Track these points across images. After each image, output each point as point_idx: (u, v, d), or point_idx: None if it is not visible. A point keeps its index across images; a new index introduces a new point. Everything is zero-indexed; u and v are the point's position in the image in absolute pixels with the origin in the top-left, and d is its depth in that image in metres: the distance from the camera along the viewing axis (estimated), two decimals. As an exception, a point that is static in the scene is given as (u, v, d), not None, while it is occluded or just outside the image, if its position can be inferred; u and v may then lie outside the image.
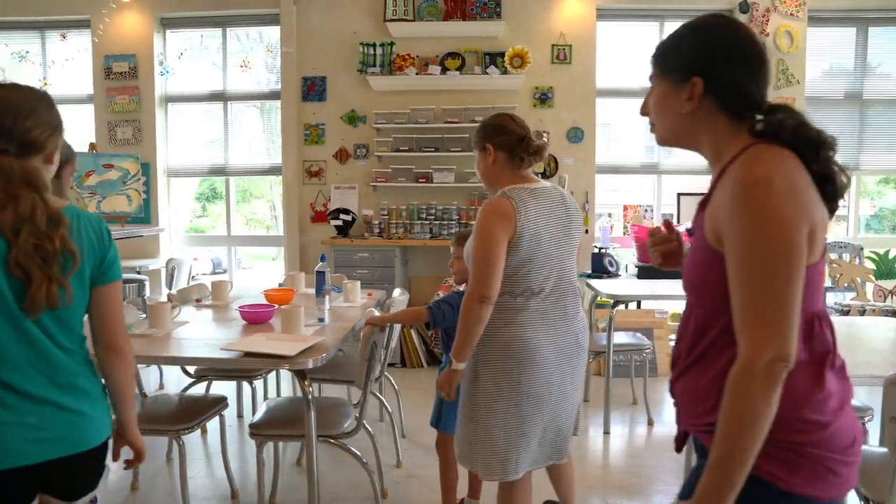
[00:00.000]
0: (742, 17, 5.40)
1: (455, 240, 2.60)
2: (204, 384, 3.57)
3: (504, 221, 1.99)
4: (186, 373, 3.43)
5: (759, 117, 1.17)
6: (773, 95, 5.39)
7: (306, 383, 2.27)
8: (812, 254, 1.08)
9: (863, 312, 4.82)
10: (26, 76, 6.08)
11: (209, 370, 3.34)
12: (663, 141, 1.30)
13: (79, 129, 6.05)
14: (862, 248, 5.40)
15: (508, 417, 2.03)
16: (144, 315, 2.98)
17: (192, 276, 5.55)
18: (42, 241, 1.33)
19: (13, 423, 1.35)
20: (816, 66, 5.65)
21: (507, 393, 2.02)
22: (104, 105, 5.84)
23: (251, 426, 2.59)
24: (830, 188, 1.12)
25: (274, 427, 2.59)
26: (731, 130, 1.18)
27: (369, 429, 2.94)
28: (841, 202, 1.19)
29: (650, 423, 3.96)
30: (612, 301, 3.82)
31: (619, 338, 3.97)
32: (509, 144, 2.10)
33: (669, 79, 1.22)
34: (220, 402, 2.85)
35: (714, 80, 1.17)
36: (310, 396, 2.27)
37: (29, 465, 1.36)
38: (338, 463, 3.27)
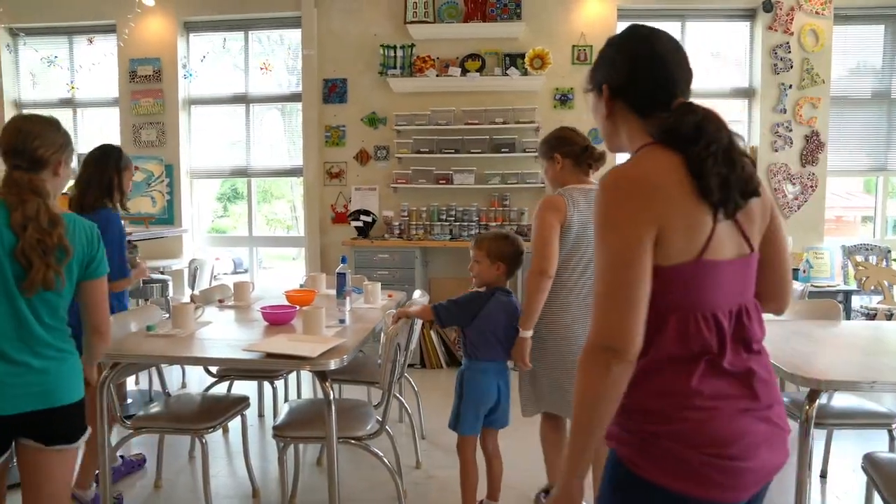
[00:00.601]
0: (766, 16, 5.34)
1: (474, 243, 2.62)
2: (225, 384, 3.62)
3: (556, 213, 2.43)
4: (209, 372, 3.47)
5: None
6: (798, 95, 5.34)
7: (327, 384, 2.28)
8: (669, 254, 1.12)
9: (890, 317, 4.73)
10: (55, 80, 6.22)
11: (231, 370, 3.38)
12: (607, 146, 1.40)
13: (105, 131, 6.16)
14: (889, 251, 5.30)
15: (540, 371, 2.54)
16: (167, 315, 3.03)
17: (214, 276, 5.62)
18: (43, 237, 1.69)
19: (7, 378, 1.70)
20: (843, 65, 5.56)
21: (542, 356, 2.53)
22: (129, 108, 5.93)
23: (275, 428, 2.61)
24: (706, 185, 1.12)
25: (296, 429, 2.61)
26: (641, 130, 1.25)
27: (390, 430, 2.95)
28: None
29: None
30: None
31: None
32: (574, 153, 2.54)
33: (594, 92, 1.33)
34: (242, 401, 2.88)
35: (618, 84, 1.26)
36: (331, 397, 2.29)
37: (4, 416, 1.71)
38: (356, 464, 3.29)
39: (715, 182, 1.13)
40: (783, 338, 2.57)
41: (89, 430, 1.92)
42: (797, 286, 3.79)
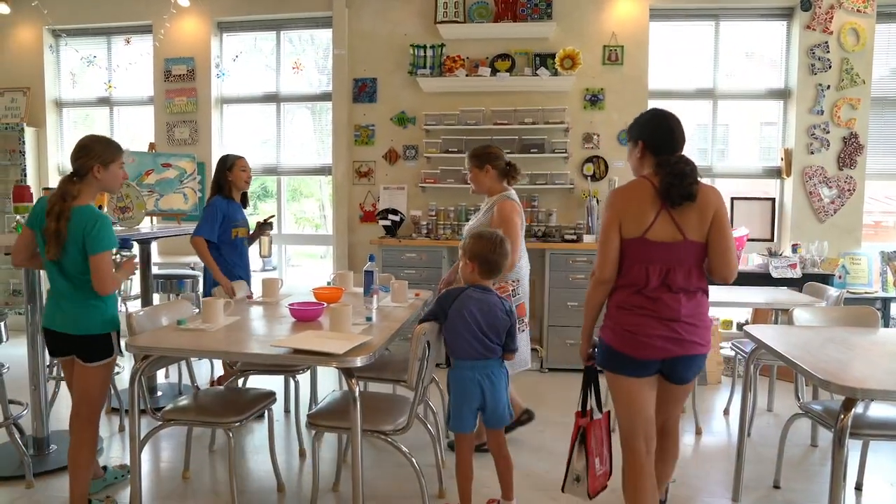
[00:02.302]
0: (804, 15, 5.22)
1: (462, 246, 2.69)
2: (260, 379, 3.65)
3: (519, 214, 3.34)
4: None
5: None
6: (836, 96, 5.22)
7: (353, 381, 2.29)
8: (626, 233, 2.21)
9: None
10: (93, 80, 6.36)
11: (254, 366, 3.39)
12: (633, 173, 2.37)
13: (140, 129, 6.28)
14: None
15: None
16: (197, 310, 3.08)
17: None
18: (52, 224, 2.48)
19: (53, 308, 2.61)
20: (885, 65, 5.41)
21: None
22: (163, 106, 6.05)
23: (309, 416, 2.63)
24: (661, 187, 2.18)
25: (329, 418, 2.63)
26: (651, 167, 2.27)
27: (431, 430, 2.96)
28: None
29: (698, 432, 3.86)
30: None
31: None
32: (500, 167, 3.37)
33: (631, 143, 2.37)
34: (269, 396, 2.91)
35: (649, 141, 2.30)
36: (356, 394, 2.29)
37: (55, 331, 2.60)
38: (382, 461, 3.29)
39: (664, 186, 2.17)
40: (818, 344, 2.50)
41: (108, 360, 2.64)
42: (832, 292, 3.70)
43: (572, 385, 4.39)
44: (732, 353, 4.23)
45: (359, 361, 2.24)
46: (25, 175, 6.16)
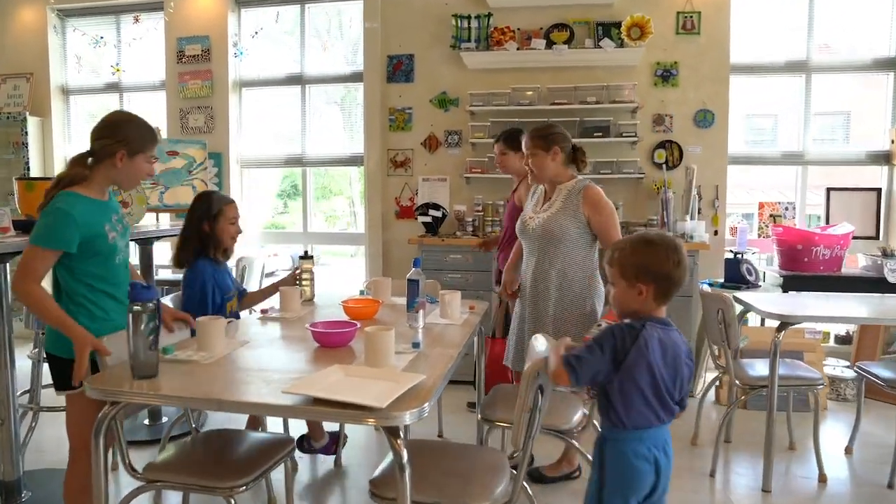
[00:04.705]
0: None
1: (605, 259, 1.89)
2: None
3: None
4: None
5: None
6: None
7: (399, 443, 1.58)
8: None
9: None
10: (101, 65, 5.82)
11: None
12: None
13: (151, 117, 5.68)
14: None
15: None
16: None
17: (268, 274, 5.08)
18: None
19: None
20: None
21: None
22: (176, 91, 5.44)
23: (371, 483, 1.90)
24: None
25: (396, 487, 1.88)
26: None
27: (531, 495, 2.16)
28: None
29: (822, 479, 3.08)
30: (778, 322, 2.97)
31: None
32: (568, 149, 2.98)
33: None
34: (287, 445, 2.21)
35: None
36: (404, 459, 1.59)
37: None
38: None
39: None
40: None
41: (78, 390, 1.95)
42: None
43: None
44: (852, 375, 3.43)
45: (408, 418, 1.54)
46: (29, 169, 5.63)
